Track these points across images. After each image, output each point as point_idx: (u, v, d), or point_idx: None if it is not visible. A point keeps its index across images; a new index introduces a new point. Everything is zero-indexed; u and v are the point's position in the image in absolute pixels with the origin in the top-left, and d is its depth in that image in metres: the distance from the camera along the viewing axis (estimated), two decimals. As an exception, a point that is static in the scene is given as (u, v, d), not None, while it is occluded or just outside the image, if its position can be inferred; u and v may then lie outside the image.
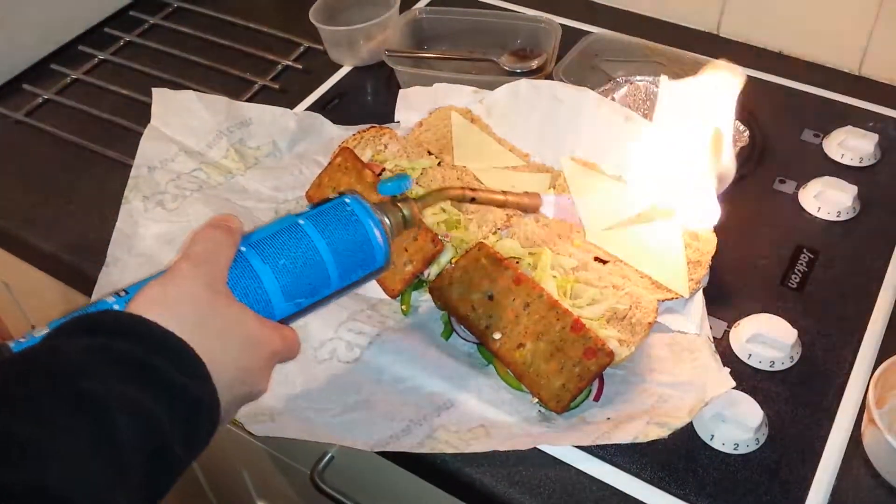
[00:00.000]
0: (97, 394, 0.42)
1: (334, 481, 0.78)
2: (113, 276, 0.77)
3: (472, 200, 0.65)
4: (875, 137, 0.87)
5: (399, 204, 0.59)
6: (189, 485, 1.19)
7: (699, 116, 0.74)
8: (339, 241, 0.55)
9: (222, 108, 0.90)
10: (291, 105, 0.96)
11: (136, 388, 0.44)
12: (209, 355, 0.47)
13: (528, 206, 0.69)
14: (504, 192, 0.68)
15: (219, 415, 0.48)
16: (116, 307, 0.49)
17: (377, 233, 0.57)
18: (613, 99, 0.84)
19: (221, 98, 0.92)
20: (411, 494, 0.76)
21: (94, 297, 0.76)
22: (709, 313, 0.72)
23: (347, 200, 0.57)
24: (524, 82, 0.84)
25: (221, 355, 0.48)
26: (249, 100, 0.98)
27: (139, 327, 0.46)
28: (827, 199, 0.81)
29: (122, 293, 0.50)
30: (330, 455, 0.79)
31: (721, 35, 1.05)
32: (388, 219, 0.58)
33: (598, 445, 0.64)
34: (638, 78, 0.87)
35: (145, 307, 0.47)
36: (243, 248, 0.53)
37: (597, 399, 0.67)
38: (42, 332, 0.47)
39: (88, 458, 0.41)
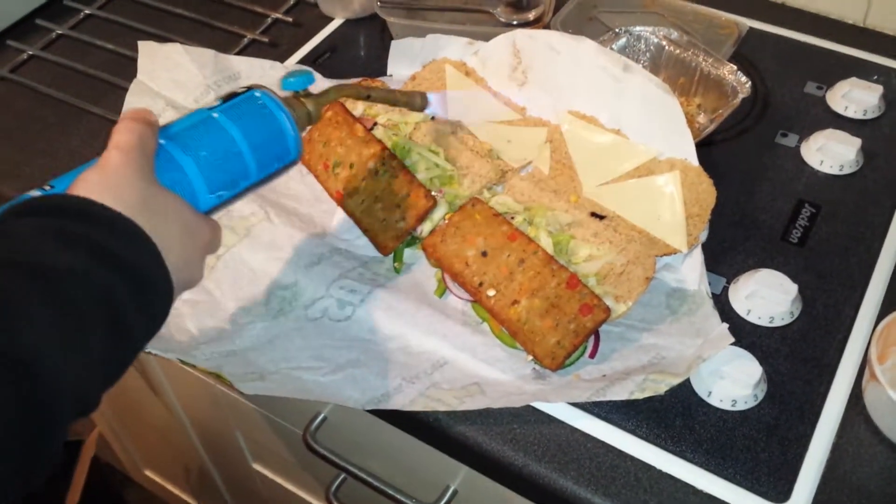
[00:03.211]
0: (50, 267, 0.43)
1: (327, 441, 0.77)
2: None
3: (368, 97, 0.67)
4: (879, 90, 0.85)
5: (303, 99, 0.61)
6: (184, 447, 1.18)
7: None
8: (254, 133, 0.56)
9: (210, 62, 0.88)
10: (281, 59, 0.93)
11: (89, 264, 0.45)
12: (155, 237, 0.49)
13: (417, 105, 0.72)
14: (398, 91, 0.72)
15: (172, 290, 0.50)
16: None
17: (289, 125, 0.58)
18: (612, 49, 0.82)
19: (209, 51, 0.89)
20: (405, 453, 0.75)
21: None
22: (708, 269, 0.70)
23: (258, 94, 0.58)
24: (520, 32, 0.81)
25: (166, 238, 0.49)
26: (238, 54, 0.95)
27: (88, 208, 0.47)
28: (830, 153, 0.80)
29: (48, 187, 0.50)
30: (323, 415, 0.78)
31: (723, -14, 1.02)
32: (295, 112, 0.59)
33: (593, 403, 0.63)
34: (637, 28, 0.85)
35: (87, 192, 0.48)
36: (163, 141, 0.53)
37: (592, 356, 0.66)
38: None
39: (47, 325, 0.42)
